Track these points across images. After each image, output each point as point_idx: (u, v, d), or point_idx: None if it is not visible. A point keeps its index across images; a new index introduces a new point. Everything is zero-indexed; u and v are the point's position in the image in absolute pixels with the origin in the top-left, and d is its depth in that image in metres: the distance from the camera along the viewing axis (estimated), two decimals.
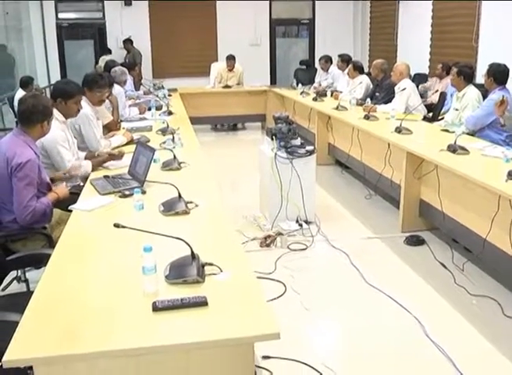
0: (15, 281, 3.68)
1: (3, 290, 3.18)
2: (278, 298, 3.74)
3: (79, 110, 4.05)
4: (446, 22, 9.55)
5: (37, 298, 2.06)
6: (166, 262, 2.21)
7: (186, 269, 2.14)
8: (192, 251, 2.17)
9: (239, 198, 6.16)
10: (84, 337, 1.79)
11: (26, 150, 3.19)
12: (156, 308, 1.91)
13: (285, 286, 3.91)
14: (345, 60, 8.95)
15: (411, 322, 3.43)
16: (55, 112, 3.73)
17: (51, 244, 3.16)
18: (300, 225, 4.94)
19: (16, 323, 1.86)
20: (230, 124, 10.87)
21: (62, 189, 3.52)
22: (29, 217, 3.16)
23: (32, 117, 3.30)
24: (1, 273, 2.91)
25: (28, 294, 2.77)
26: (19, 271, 3.62)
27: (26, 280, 3.49)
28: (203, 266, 2.19)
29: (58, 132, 3.84)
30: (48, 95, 10.30)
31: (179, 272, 2.14)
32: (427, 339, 3.24)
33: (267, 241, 4.64)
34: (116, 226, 2.26)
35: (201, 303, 1.94)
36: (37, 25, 12.07)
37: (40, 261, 2.96)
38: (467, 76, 5.50)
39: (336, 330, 3.54)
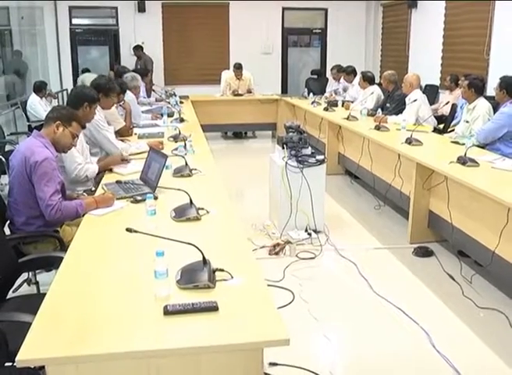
0: (25, 283, 3.73)
1: (14, 291, 3.21)
2: (286, 306, 3.75)
3: (93, 116, 4.12)
4: (457, 34, 9.60)
5: (49, 300, 2.08)
6: (178, 267, 2.23)
7: (198, 274, 2.16)
8: (203, 257, 2.20)
9: (248, 206, 6.19)
10: (96, 338, 1.81)
11: (43, 150, 3.24)
12: (167, 312, 1.94)
13: (293, 294, 3.92)
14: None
15: (418, 333, 3.44)
16: None
17: (63, 247, 3.19)
18: (309, 234, 4.96)
19: (28, 324, 1.89)
20: (243, 132, 10.92)
21: (103, 198, 3.31)
22: (54, 212, 3.11)
23: (49, 115, 3.40)
24: (13, 275, 2.95)
25: (39, 296, 2.81)
26: (29, 273, 3.67)
27: (36, 283, 3.52)
28: (214, 271, 2.21)
29: None
30: (58, 100, 10.53)
31: (190, 277, 2.16)
32: (433, 350, 3.24)
33: (276, 249, 4.66)
34: (129, 230, 2.29)
35: (212, 308, 1.96)
36: (50, 30, 12.22)
37: (51, 264, 3.00)
38: (477, 88, 5.51)
39: (343, 339, 3.54)
